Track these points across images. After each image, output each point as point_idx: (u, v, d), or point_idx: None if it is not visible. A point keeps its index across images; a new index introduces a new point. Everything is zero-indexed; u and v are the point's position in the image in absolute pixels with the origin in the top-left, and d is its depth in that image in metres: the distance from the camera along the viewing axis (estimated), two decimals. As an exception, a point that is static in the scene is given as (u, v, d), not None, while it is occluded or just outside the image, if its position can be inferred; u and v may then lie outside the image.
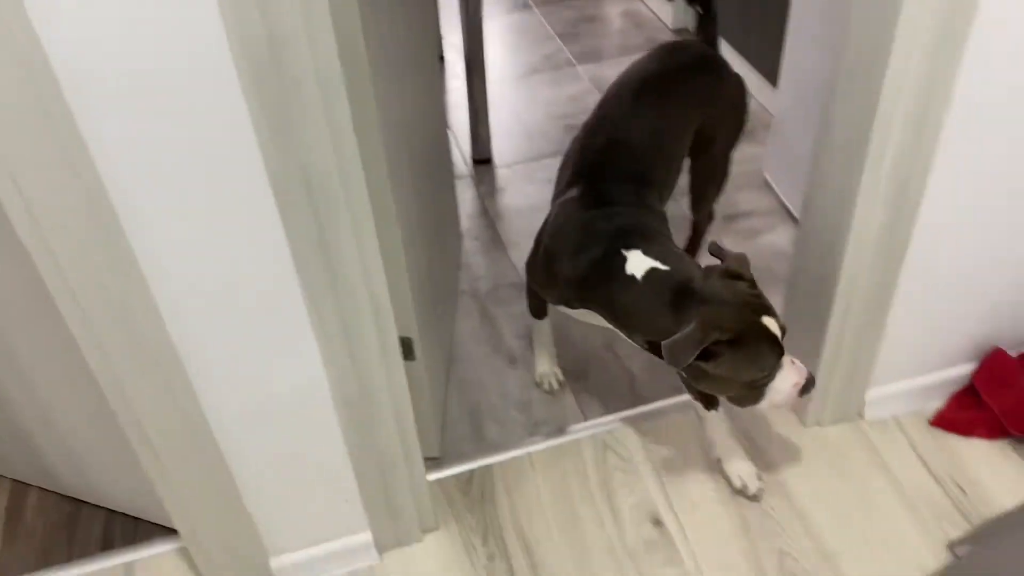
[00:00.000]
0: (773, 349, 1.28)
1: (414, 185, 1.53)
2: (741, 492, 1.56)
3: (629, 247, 1.38)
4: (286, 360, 1.22)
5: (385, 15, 1.31)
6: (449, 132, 2.60)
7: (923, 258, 1.45)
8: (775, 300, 1.36)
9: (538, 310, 1.74)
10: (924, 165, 1.33)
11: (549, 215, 1.57)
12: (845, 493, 1.56)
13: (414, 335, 1.48)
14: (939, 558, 1.46)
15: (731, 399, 1.36)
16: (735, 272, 1.32)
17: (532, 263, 1.61)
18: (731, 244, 2.13)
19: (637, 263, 1.36)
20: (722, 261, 1.35)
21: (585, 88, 2.75)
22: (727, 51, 2.74)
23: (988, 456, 1.61)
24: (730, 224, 2.19)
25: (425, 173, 1.70)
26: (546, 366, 1.81)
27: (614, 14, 3.14)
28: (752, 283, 1.32)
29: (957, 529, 1.50)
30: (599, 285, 1.41)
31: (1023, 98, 1.30)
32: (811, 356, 1.58)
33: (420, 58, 1.69)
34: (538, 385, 1.82)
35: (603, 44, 2.97)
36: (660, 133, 1.58)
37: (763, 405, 1.34)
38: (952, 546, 1.47)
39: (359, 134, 1.07)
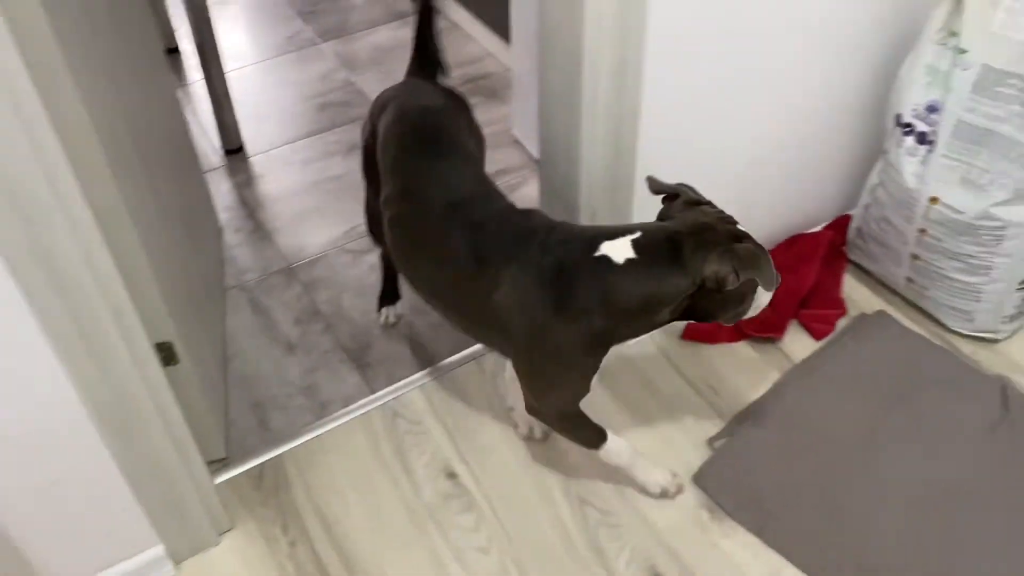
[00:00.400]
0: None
1: (150, 183, 1.47)
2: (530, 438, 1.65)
3: (594, 248, 1.28)
4: (20, 378, 1.14)
5: (83, 14, 1.25)
6: (196, 124, 2.50)
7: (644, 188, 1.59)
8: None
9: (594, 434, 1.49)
10: (633, 106, 1.44)
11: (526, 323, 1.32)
12: (623, 418, 1.69)
13: (174, 338, 1.43)
14: (703, 455, 1.62)
15: (727, 315, 1.32)
16: (695, 200, 1.33)
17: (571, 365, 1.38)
18: (491, 201, 2.21)
19: (618, 249, 1.26)
20: (666, 194, 1.35)
21: (332, 66, 2.73)
22: (459, 13, 2.81)
23: (733, 358, 1.79)
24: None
25: (163, 169, 1.64)
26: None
27: (351, -11, 3.13)
28: (710, 203, 1.34)
29: (715, 427, 1.66)
30: (620, 300, 1.27)
31: (710, 28, 1.45)
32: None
33: (139, 53, 1.61)
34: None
35: (346, 19, 2.95)
36: (475, 164, 1.49)
37: (750, 313, 1.34)
38: (711, 441, 1.63)
39: (64, 135, 1.02)
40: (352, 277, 2.02)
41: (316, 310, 1.95)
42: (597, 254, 1.27)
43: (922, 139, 1.64)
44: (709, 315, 1.31)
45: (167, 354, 1.42)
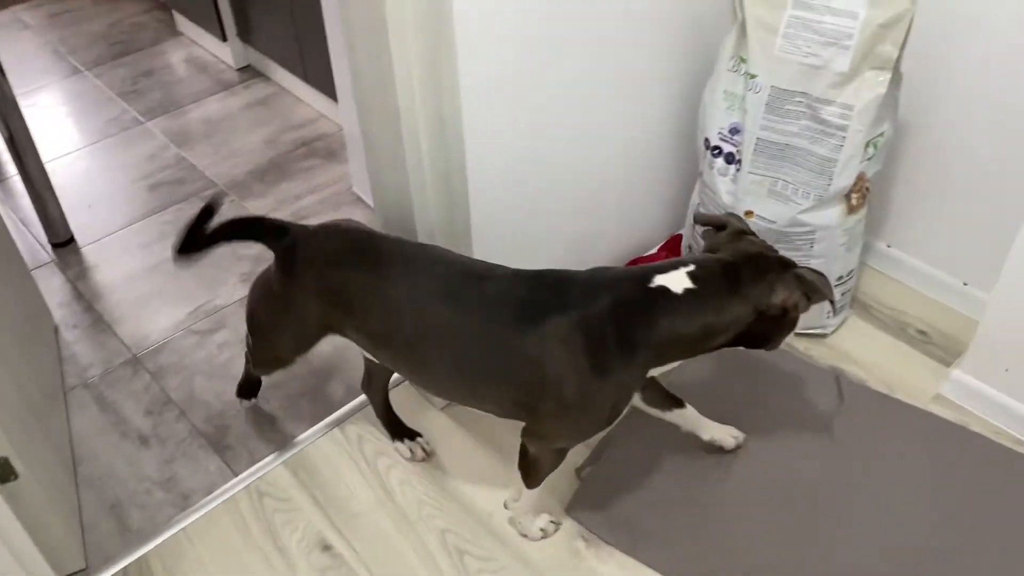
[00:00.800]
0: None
1: (-38, 293, 1.39)
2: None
3: (648, 282, 1.27)
4: None
5: None
6: (17, 220, 2.38)
7: (483, 233, 1.63)
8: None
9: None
10: (459, 157, 1.48)
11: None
12: (488, 457, 1.71)
13: (9, 453, 1.35)
14: (575, 485, 1.66)
15: (780, 339, 1.35)
16: (741, 229, 1.36)
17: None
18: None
19: (675, 281, 1.27)
20: (715, 225, 1.38)
21: (160, 144, 2.66)
22: (286, 77, 2.80)
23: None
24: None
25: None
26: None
27: (174, 63, 3.06)
28: (753, 234, 1.38)
29: (583, 456, 1.70)
30: (680, 330, 1.27)
31: (523, 77, 1.51)
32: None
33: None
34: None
35: (170, 95, 2.89)
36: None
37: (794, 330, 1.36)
38: (579, 471, 1.68)
39: None
40: (201, 359, 1.96)
41: (167, 398, 1.88)
42: (653, 286, 1.27)
43: (730, 159, 1.76)
44: (763, 341, 1.34)
45: (3, 471, 1.34)
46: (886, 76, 1.55)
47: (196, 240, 1.40)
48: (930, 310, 1.96)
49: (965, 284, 1.92)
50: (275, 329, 1.54)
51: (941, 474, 1.62)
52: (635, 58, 1.70)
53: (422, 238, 1.54)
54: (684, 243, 2.04)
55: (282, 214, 2.36)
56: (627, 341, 1.26)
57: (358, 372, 1.89)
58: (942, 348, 1.88)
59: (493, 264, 1.37)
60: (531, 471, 1.48)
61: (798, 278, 1.28)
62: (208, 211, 1.40)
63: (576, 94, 1.63)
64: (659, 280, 1.28)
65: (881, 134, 1.64)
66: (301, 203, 2.41)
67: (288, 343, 1.55)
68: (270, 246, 1.44)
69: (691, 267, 1.29)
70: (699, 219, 1.45)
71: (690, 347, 1.32)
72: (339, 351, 1.95)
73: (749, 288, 1.28)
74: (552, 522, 1.58)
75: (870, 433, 1.70)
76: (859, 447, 1.67)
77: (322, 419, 1.80)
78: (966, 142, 1.76)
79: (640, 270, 1.32)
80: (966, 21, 1.65)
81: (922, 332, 1.92)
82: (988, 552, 1.50)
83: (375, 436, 1.76)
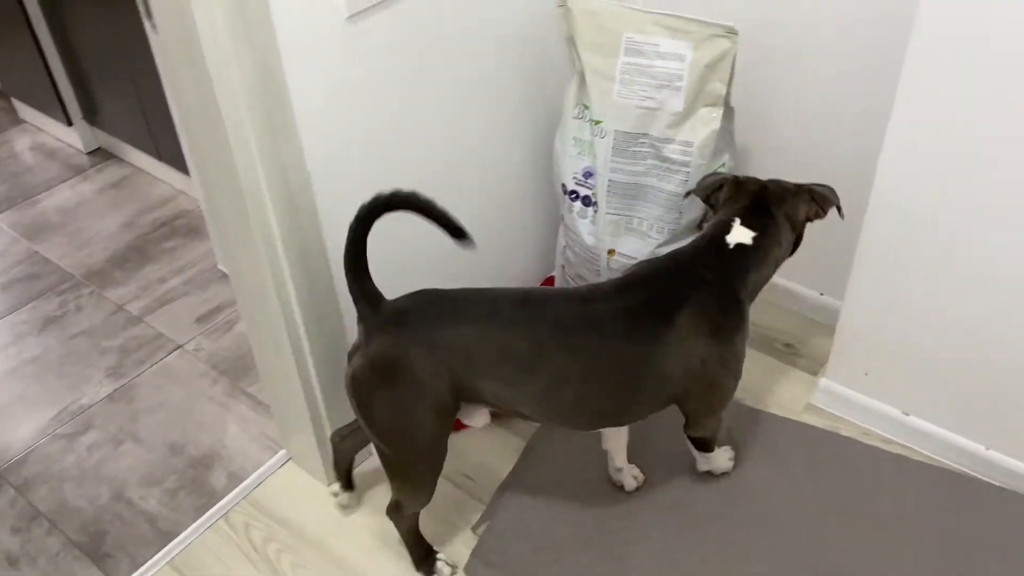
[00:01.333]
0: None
1: None
2: None
3: (723, 246, 1.44)
4: None
5: None
6: None
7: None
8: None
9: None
10: (314, 228, 1.47)
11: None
12: (386, 530, 1.67)
13: None
14: (472, 543, 1.64)
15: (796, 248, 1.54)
16: (737, 178, 1.53)
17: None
18: (210, 342, 2.14)
19: (741, 235, 1.44)
20: (713, 189, 1.55)
21: (9, 239, 2.53)
22: (139, 157, 2.72)
23: (482, 441, 1.84)
24: (204, 324, 2.20)
25: None
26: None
27: (19, 152, 2.93)
28: (746, 177, 1.54)
29: (478, 513, 1.70)
30: (764, 272, 1.48)
31: (372, 147, 1.51)
32: (299, 434, 1.67)
33: None
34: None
35: (17, 186, 2.76)
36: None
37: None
38: (475, 528, 1.67)
39: None
40: (70, 464, 1.86)
41: (35, 512, 1.77)
42: (731, 247, 1.44)
43: (587, 202, 1.81)
44: (792, 252, 1.55)
45: None
46: (719, 112, 1.62)
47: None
48: (793, 323, 2.05)
49: (822, 294, 2.02)
50: (417, 426, 1.35)
51: (819, 480, 1.69)
52: (488, 114, 1.73)
53: (283, 315, 1.51)
54: (557, 283, 2.08)
55: (147, 301, 2.28)
56: (735, 302, 1.43)
57: (239, 457, 1.84)
58: (809, 359, 1.97)
59: (576, 286, 1.47)
60: (707, 445, 1.62)
61: (811, 193, 1.50)
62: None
63: (430, 155, 1.65)
64: (732, 239, 1.44)
65: (722, 165, 1.71)
66: (166, 286, 2.33)
67: (437, 431, 1.38)
68: (365, 321, 1.32)
69: (737, 219, 1.46)
70: (699, 191, 1.58)
71: (766, 281, 1.51)
72: (217, 438, 1.89)
73: (783, 215, 1.48)
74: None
75: (752, 452, 1.75)
76: (742, 468, 1.72)
77: (205, 511, 1.73)
78: (802, 159, 1.86)
79: (705, 239, 1.47)
80: (786, 51, 1.75)
81: (788, 345, 2.01)
82: (867, 547, 1.57)
83: (262, 522, 1.70)
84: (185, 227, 2.53)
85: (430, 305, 1.35)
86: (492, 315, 1.35)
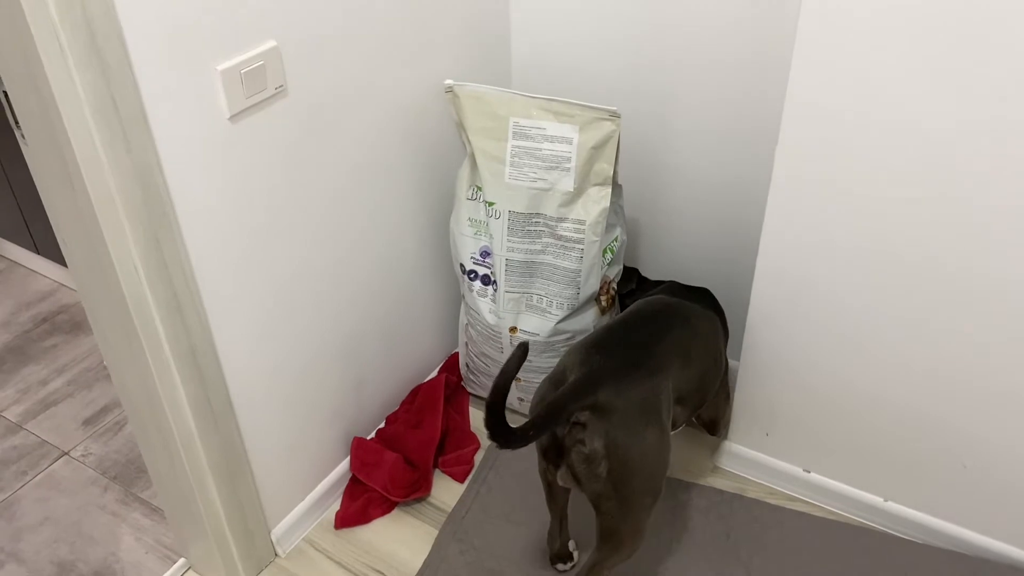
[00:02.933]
0: None
1: None
2: None
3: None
4: None
5: None
6: None
7: (248, 404, 1.56)
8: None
9: None
10: (205, 335, 1.42)
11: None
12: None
13: None
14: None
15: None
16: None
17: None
18: (98, 446, 2.03)
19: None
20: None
21: None
22: (13, 250, 2.60)
23: (391, 530, 1.80)
24: (92, 427, 2.08)
25: None
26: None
27: None
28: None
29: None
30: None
31: (257, 248, 1.48)
32: (198, 540, 1.59)
33: None
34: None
35: None
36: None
37: None
38: (390, 626, 1.61)
39: None
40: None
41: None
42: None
43: (486, 280, 1.81)
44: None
45: None
46: (607, 190, 1.67)
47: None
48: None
49: (719, 356, 2.07)
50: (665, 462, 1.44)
51: (727, 542, 1.71)
52: (377, 199, 1.73)
53: (173, 419, 1.45)
54: (461, 361, 2.07)
55: (27, 405, 2.15)
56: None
57: (134, 570, 1.73)
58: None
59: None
60: (723, 418, 1.89)
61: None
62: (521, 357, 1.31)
63: (319, 244, 1.62)
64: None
65: (615, 239, 1.75)
66: (49, 388, 2.20)
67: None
68: (590, 406, 1.33)
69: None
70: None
71: None
72: (110, 551, 1.77)
73: None
74: None
75: (663, 517, 1.76)
76: (654, 534, 1.73)
77: (97, 634, 1.61)
78: (689, 230, 1.92)
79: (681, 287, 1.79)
80: (666, 130, 1.82)
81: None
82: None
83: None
84: (67, 322, 2.41)
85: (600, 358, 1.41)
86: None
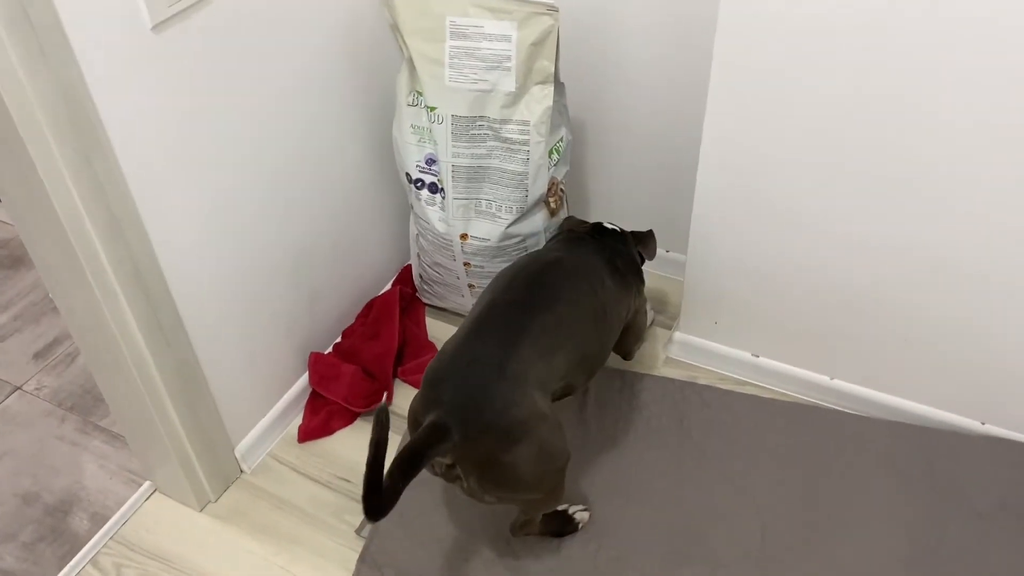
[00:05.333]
0: None
1: None
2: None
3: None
4: None
5: None
6: None
7: (201, 327, 1.55)
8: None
9: None
10: (148, 254, 1.40)
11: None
12: (265, 548, 1.63)
13: None
14: (358, 547, 1.62)
15: None
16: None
17: None
18: (52, 378, 2.01)
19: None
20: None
21: None
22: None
23: (354, 440, 1.82)
24: (43, 360, 2.05)
25: None
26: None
27: None
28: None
29: (359, 515, 1.68)
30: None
31: (189, 159, 1.45)
32: (162, 462, 1.60)
33: None
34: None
35: None
36: None
37: None
38: (358, 531, 1.65)
39: None
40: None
41: None
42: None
43: (434, 188, 1.80)
44: None
45: None
46: (550, 88, 1.65)
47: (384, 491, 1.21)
48: (648, 282, 2.12)
49: (668, 251, 2.10)
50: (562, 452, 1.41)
51: (681, 428, 1.76)
52: (314, 110, 1.69)
53: (124, 344, 1.43)
54: (415, 272, 2.07)
55: None
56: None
57: (100, 496, 1.74)
58: (663, 314, 2.04)
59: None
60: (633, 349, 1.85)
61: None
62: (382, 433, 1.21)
63: (257, 158, 1.59)
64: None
65: (560, 139, 1.74)
66: (-6, 324, 2.16)
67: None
68: (449, 449, 1.27)
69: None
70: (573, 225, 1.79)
71: None
72: (74, 480, 1.78)
73: None
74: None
75: (620, 411, 1.81)
76: (613, 427, 1.78)
77: (69, 559, 1.63)
78: (633, 125, 1.92)
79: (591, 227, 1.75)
80: (607, 25, 1.79)
81: (644, 305, 2.08)
82: (726, 482, 1.65)
83: (135, 560, 1.62)
84: (7, 257, 2.35)
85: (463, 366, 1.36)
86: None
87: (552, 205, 1.81)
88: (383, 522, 1.60)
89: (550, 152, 1.72)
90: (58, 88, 1.17)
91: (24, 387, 2.00)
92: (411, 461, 1.24)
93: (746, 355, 1.86)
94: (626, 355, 1.84)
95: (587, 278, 1.55)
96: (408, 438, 1.29)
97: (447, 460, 1.30)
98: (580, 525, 1.60)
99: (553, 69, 1.63)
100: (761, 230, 1.65)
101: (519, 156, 1.70)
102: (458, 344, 1.39)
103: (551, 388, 1.41)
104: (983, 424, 1.70)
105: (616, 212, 2.10)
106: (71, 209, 1.27)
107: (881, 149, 1.44)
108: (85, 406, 1.93)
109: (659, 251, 2.10)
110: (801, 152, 1.51)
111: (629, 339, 1.77)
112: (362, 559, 1.59)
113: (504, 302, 1.45)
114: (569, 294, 1.49)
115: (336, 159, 1.80)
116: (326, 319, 1.91)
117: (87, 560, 1.63)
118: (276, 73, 1.56)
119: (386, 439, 1.22)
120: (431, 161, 1.77)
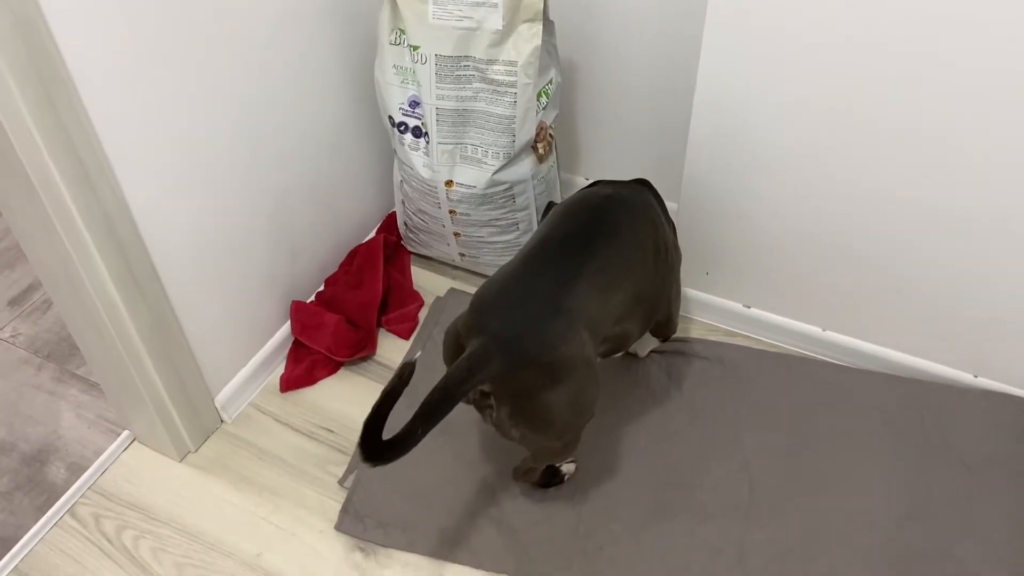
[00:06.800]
0: None
1: None
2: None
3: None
4: None
5: None
6: None
7: (177, 276, 1.50)
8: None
9: None
10: (116, 193, 1.34)
11: None
12: (246, 499, 1.61)
13: None
14: (340, 498, 1.60)
15: None
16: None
17: None
18: (27, 325, 1.96)
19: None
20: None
21: None
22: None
23: (338, 390, 1.79)
24: (18, 307, 2.00)
25: None
26: None
27: None
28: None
29: (343, 466, 1.65)
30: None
31: (159, 107, 1.38)
32: (139, 412, 1.57)
33: None
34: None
35: None
36: None
37: None
38: (341, 482, 1.63)
39: None
40: None
41: None
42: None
43: (418, 132, 1.74)
44: None
45: None
46: (538, 27, 1.57)
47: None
48: (636, 231, 2.07)
49: (660, 200, 2.05)
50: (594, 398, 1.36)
51: (670, 379, 1.74)
52: (294, 54, 1.62)
53: (95, 292, 1.38)
54: (399, 220, 2.01)
55: (-54, 288, 2.06)
56: None
57: (77, 445, 1.71)
58: (653, 264, 2.00)
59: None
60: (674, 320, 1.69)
61: None
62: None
63: (236, 106, 1.52)
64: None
65: (550, 81, 1.68)
66: (-33, 269, 2.11)
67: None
68: (491, 377, 1.24)
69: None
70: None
71: None
72: (50, 429, 1.75)
73: None
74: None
75: (606, 364, 1.77)
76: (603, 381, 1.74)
77: (47, 510, 1.60)
78: (625, 68, 1.85)
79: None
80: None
81: (633, 253, 2.03)
82: (716, 435, 1.64)
83: (113, 511, 1.60)
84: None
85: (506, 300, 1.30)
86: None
87: (540, 151, 1.75)
88: (367, 473, 1.60)
89: (539, 95, 1.65)
90: (14, 25, 1.10)
91: (-1, 335, 1.96)
92: (451, 389, 1.22)
93: (738, 306, 1.83)
94: (660, 326, 1.64)
95: (645, 213, 1.47)
96: (394, 385, 1.26)
97: (485, 388, 1.28)
98: (566, 477, 1.58)
99: (542, 6, 1.55)
100: (755, 177, 1.59)
101: (506, 99, 1.64)
102: (509, 275, 1.34)
103: (603, 332, 1.35)
104: (976, 377, 1.67)
105: (607, 159, 2.04)
106: (34, 154, 1.21)
107: (878, 96, 1.38)
108: (62, 354, 1.89)
109: (650, 198, 2.06)
110: (797, 97, 1.45)
111: (671, 306, 1.63)
112: (344, 510, 1.57)
113: (560, 235, 1.38)
114: (629, 229, 1.41)
115: (316, 101, 1.73)
116: (308, 268, 1.87)
117: (65, 510, 1.60)
118: (249, 13, 1.48)
119: (400, 391, 1.23)
120: (415, 103, 1.70)
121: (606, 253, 1.35)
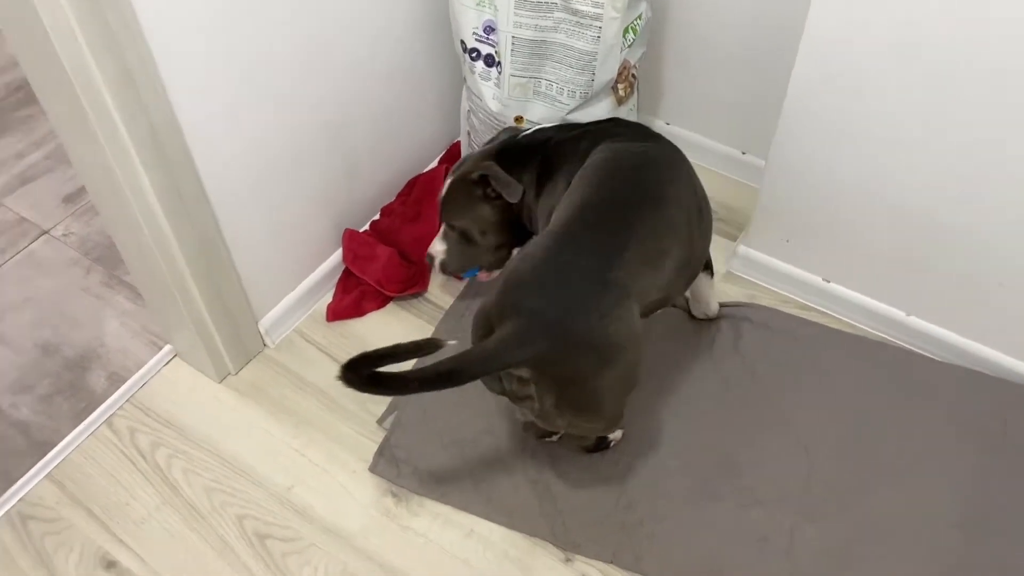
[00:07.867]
0: None
1: None
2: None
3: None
4: None
5: None
6: None
7: (229, 207, 1.43)
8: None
9: None
10: (165, 106, 1.26)
11: None
12: (282, 429, 1.57)
13: None
14: (378, 438, 1.55)
15: None
16: None
17: None
18: (80, 225, 1.93)
19: None
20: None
21: None
22: None
23: (385, 324, 1.72)
24: (73, 205, 1.97)
25: None
26: None
27: None
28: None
29: (382, 405, 1.60)
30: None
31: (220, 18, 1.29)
32: (181, 329, 1.53)
33: None
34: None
35: None
36: None
37: None
38: (380, 422, 1.57)
39: None
40: (-73, 373, 1.69)
41: None
42: None
43: (490, 61, 1.61)
44: None
45: None
46: (633, -46, 1.43)
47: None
48: (716, 184, 1.92)
49: (744, 153, 1.90)
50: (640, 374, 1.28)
51: (738, 351, 1.63)
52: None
53: (138, 208, 1.32)
54: (463, 150, 1.91)
55: (4, 179, 2.04)
56: None
57: (120, 355, 1.69)
58: (727, 223, 1.87)
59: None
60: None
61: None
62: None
63: (298, 20, 1.42)
64: None
65: (639, 17, 1.53)
66: (26, 162, 2.08)
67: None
68: (530, 362, 1.16)
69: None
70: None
71: None
72: (94, 335, 1.72)
73: None
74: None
75: (668, 327, 1.67)
76: (661, 344, 1.65)
77: (84, 417, 1.59)
78: (725, 5, 1.69)
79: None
80: None
81: (709, 209, 1.90)
82: (783, 414, 1.53)
83: (149, 427, 1.58)
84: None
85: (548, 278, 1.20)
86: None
87: (621, 92, 1.61)
88: (406, 416, 1.55)
89: (625, 31, 1.51)
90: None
91: (52, 232, 1.93)
92: (465, 370, 1.15)
93: (816, 279, 1.69)
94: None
95: (682, 170, 1.36)
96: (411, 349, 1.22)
97: (524, 374, 1.17)
98: (612, 443, 1.50)
99: (639, -67, 1.40)
100: (854, 144, 1.44)
101: (589, 33, 1.50)
102: (547, 247, 1.21)
103: (649, 300, 1.24)
104: (1072, 385, 1.53)
105: (691, 105, 1.89)
106: (77, 56, 1.13)
107: (1001, 73, 1.21)
108: (111, 259, 1.86)
109: (733, 152, 1.91)
110: (910, 62, 1.29)
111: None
112: (380, 452, 1.53)
113: (600, 200, 1.26)
114: (672, 190, 1.30)
115: (384, 19, 1.61)
116: (364, 195, 1.78)
117: (102, 420, 1.59)
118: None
119: (410, 358, 1.20)
120: (490, 29, 1.57)
121: (652, 218, 1.24)
